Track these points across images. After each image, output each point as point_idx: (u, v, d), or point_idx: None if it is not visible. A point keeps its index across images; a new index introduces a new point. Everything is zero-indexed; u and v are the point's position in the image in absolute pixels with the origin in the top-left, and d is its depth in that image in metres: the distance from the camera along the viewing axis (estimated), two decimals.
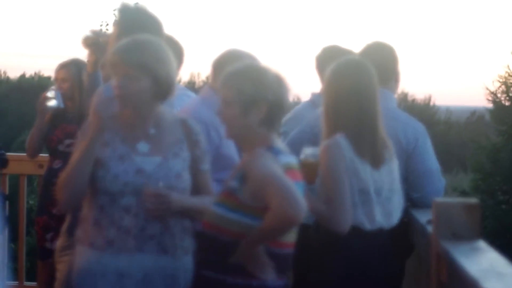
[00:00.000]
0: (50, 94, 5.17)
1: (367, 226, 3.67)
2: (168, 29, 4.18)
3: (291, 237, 3.08)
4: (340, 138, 3.63)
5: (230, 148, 3.96)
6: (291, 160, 3.09)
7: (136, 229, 3.17)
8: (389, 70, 4.51)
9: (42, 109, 5.18)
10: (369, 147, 3.68)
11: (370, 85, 3.74)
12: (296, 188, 2.90)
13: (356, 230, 3.62)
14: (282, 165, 2.98)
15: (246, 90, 3.02)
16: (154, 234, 3.19)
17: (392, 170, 3.78)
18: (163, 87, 3.20)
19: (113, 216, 3.17)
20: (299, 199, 2.84)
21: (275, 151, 3.01)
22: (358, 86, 3.71)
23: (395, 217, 3.78)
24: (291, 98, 3.13)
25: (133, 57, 3.16)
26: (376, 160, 3.69)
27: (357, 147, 3.64)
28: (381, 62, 4.47)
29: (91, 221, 3.22)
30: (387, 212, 3.74)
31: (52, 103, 5.17)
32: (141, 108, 3.22)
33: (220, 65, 4.01)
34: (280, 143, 3.11)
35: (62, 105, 5.19)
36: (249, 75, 3.05)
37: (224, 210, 3.01)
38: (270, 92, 3.02)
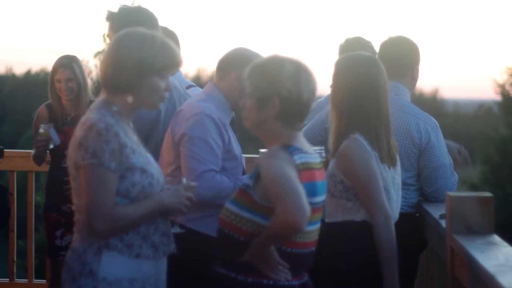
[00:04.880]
0: (43, 130, 5.21)
1: None
2: (175, 24, 4.21)
3: (308, 236, 3.01)
4: (360, 138, 3.56)
5: (237, 147, 3.96)
6: (310, 159, 2.99)
7: (170, 231, 3.11)
8: (405, 65, 4.44)
9: (40, 151, 5.31)
10: (386, 147, 3.62)
11: (386, 83, 3.66)
12: (303, 192, 2.78)
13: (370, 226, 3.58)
14: (296, 165, 2.90)
15: (260, 85, 2.97)
16: (171, 234, 3.14)
17: (399, 168, 3.74)
18: None
19: (157, 220, 3.06)
20: (303, 205, 2.75)
21: (291, 150, 2.92)
22: (377, 83, 3.62)
23: (398, 213, 3.75)
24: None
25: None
26: (392, 159, 3.65)
27: (374, 146, 3.57)
28: (399, 55, 4.41)
29: (135, 230, 3.01)
30: (396, 208, 3.72)
31: (50, 145, 5.24)
32: None
33: (225, 64, 3.97)
34: (301, 140, 3.02)
35: (58, 141, 5.20)
36: (266, 69, 2.98)
37: (237, 208, 2.96)
38: (283, 87, 2.94)
